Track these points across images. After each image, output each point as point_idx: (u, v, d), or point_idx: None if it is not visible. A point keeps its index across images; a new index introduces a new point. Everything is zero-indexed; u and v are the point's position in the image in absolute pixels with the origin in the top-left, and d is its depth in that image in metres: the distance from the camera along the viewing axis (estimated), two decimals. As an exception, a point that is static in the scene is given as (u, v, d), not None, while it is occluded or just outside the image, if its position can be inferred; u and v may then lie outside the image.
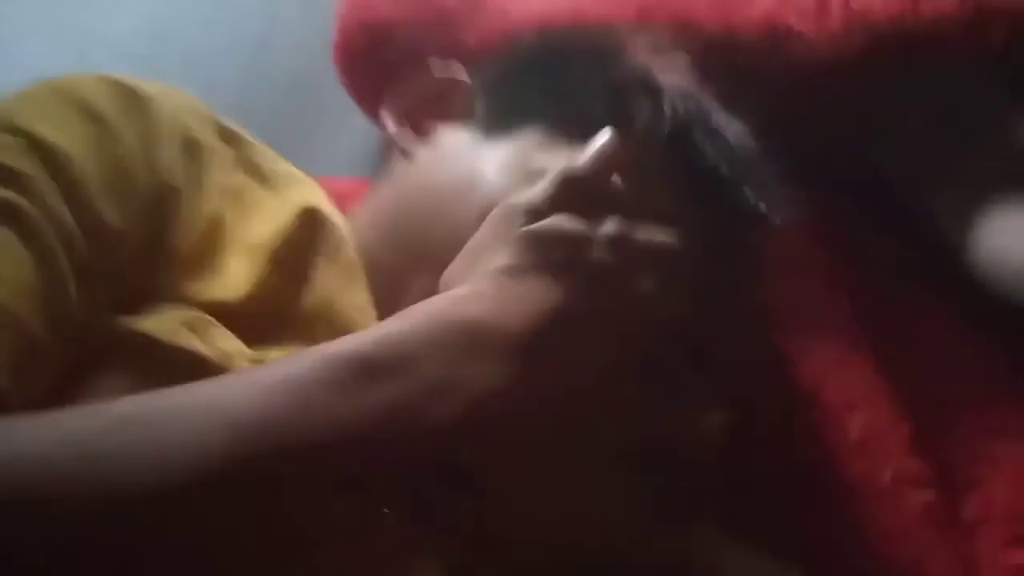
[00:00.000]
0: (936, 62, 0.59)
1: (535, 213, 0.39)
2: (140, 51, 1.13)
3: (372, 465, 0.33)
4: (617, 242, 0.39)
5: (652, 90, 0.49)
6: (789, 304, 0.56)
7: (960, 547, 0.49)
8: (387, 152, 0.56)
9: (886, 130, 0.61)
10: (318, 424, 0.31)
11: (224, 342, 0.39)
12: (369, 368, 0.33)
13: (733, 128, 0.51)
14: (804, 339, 0.54)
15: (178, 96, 0.45)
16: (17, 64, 1.11)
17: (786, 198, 0.51)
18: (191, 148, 0.43)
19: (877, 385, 0.53)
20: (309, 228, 0.46)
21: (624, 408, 0.38)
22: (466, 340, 0.34)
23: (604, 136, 0.43)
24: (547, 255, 0.37)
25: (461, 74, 0.54)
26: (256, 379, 0.33)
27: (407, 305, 0.40)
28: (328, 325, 0.43)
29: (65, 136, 0.38)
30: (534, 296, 0.36)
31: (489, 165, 0.47)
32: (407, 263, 0.46)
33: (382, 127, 0.54)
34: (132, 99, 0.41)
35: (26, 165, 0.37)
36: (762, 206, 0.49)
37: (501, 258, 0.38)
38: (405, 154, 0.52)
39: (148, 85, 0.43)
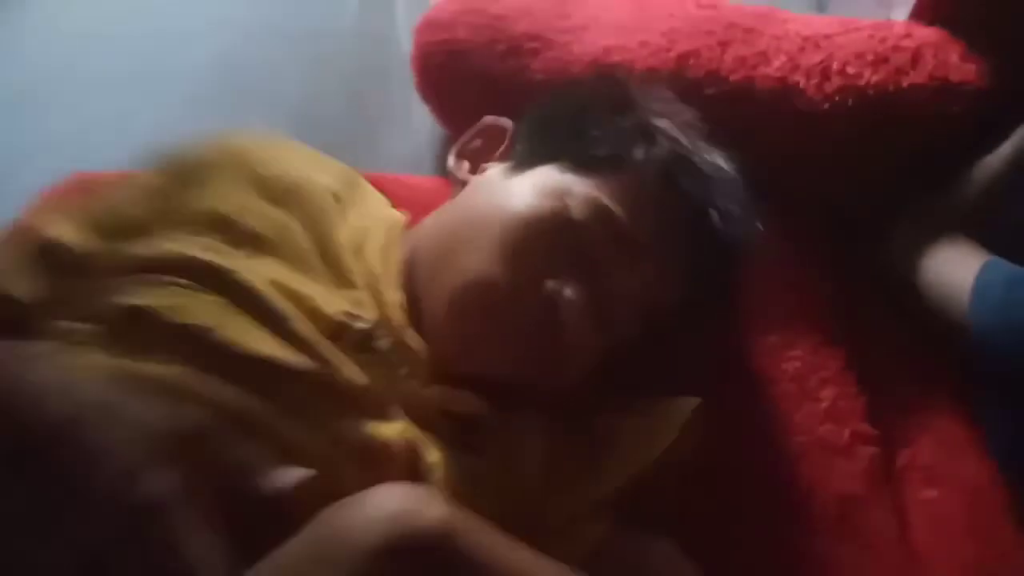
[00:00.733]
0: (908, 124, 0.74)
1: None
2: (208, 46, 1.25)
3: None
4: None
5: (646, 133, 0.61)
6: (781, 304, 0.72)
7: (891, 486, 0.65)
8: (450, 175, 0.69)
9: (862, 172, 0.77)
10: None
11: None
12: None
13: (716, 160, 0.63)
14: (791, 332, 0.70)
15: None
16: (104, 103, 1.23)
17: (759, 219, 0.65)
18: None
19: (845, 369, 0.69)
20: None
21: None
22: None
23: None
24: None
25: (506, 124, 0.68)
26: None
27: (432, 301, 0.55)
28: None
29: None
30: None
31: (510, 193, 0.60)
32: (439, 265, 0.58)
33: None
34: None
35: None
36: (733, 227, 0.61)
37: None
38: (461, 184, 0.66)
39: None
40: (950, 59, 0.76)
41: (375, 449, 0.50)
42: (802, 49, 0.78)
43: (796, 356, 0.68)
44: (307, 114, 1.13)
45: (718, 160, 0.63)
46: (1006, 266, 0.65)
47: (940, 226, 0.71)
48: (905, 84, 0.74)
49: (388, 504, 0.41)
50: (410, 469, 0.51)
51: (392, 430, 0.51)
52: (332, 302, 0.53)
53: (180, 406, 0.44)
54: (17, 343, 0.48)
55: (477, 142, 0.68)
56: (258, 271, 0.52)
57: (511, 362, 0.55)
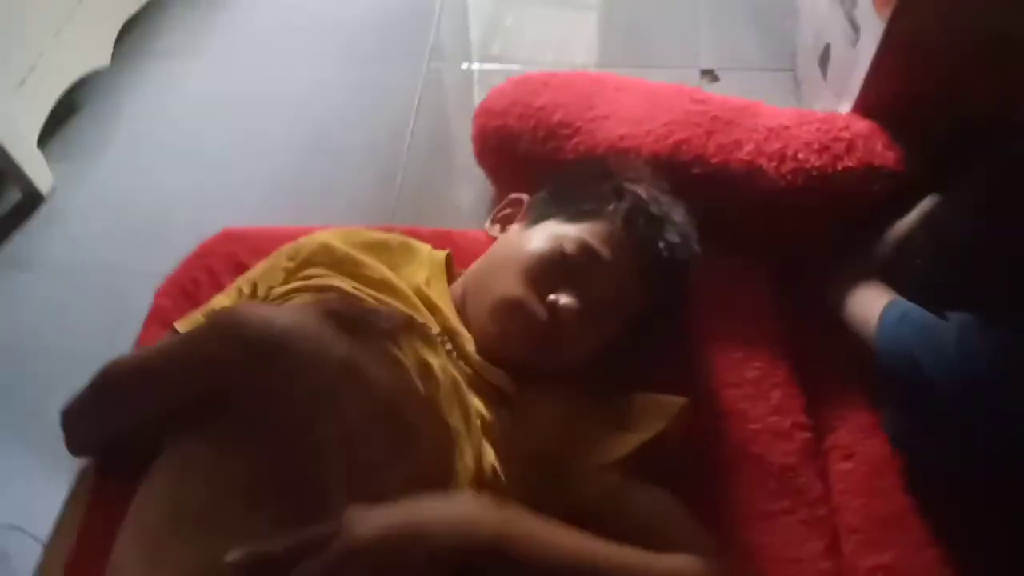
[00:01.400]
0: (841, 198, 1.00)
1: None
2: (309, 112, 1.55)
3: None
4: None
5: (618, 193, 0.89)
6: (745, 330, 0.97)
7: (820, 460, 0.89)
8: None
9: (808, 231, 1.02)
10: None
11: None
12: None
13: (668, 208, 0.89)
14: (752, 349, 0.95)
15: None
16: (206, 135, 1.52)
17: (697, 247, 0.90)
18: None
19: (790, 377, 0.94)
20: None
21: None
22: None
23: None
24: None
25: (524, 198, 0.96)
26: None
27: (478, 312, 0.83)
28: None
29: None
30: None
31: (525, 240, 0.87)
32: (481, 291, 0.86)
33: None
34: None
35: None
36: (677, 253, 0.87)
37: None
38: (494, 239, 0.94)
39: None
40: (876, 147, 1.01)
41: (424, 365, 0.75)
42: (767, 138, 1.04)
43: (755, 367, 0.94)
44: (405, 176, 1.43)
45: (670, 208, 0.90)
46: (904, 304, 0.90)
47: (862, 273, 0.96)
48: (840, 167, 1.00)
49: (456, 511, 0.65)
50: (457, 397, 0.75)
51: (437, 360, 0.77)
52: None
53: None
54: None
55: (506, 210, 0.98)
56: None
57: (530, 347, 0.81)
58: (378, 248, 0.90)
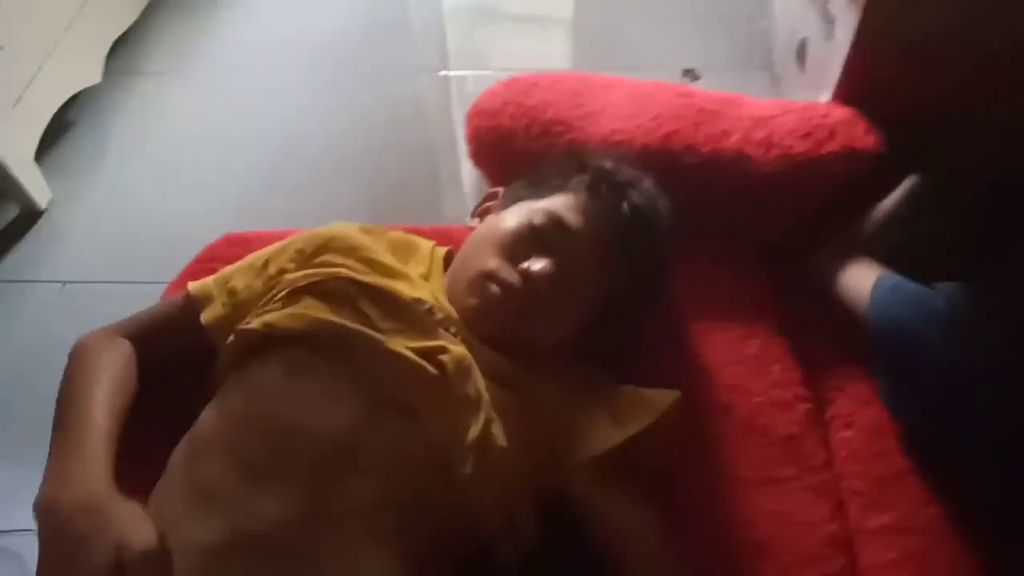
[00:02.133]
0: (826, 180, 1.04)
1: None
2: (296, 125, 1.57)
3: None
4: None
5: (582, 167, 0.92)
6: (744, 307, 1.01)
7: (821, 430, 0.92)
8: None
9: (795, 213, 1.06)
10: None
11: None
12: None
13: (632, 176, 0.93)
14: (751, 325, 0.98)
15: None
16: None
17: (666, 213, 0.92)
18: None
19: (788, 351, 0.98)
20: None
21: None
22: None
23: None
24: None
25: (500, 191, 0.99)
26: None
27: (458, 287, 0.86)
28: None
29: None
30: None
31: (499, 219, 0.90)
32: (462, 268, 0.89)
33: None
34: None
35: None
36: (642, 216, 0.88)
37: None
38: (474, 227, 0.97)
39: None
40: (857, 132, 1.06)
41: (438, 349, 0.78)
42: (752, 127, 1.08)
43: (754, 343, 0.98)
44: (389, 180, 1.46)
45: (633, 176, 0.94)
46: (894, 276, 0.94)
47: (850, 250, 1.01)
48: (823, 152, 1.04)
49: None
50: (464, 375, 0.77)
51: (451, 344, 0.79)
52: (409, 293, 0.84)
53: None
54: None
55: (485, 204, 1.01)
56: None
57: (509, 317, 0.82)
58: (387, 239, 0.94)
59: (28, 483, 1.13)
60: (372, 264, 0.86)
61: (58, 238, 1.44)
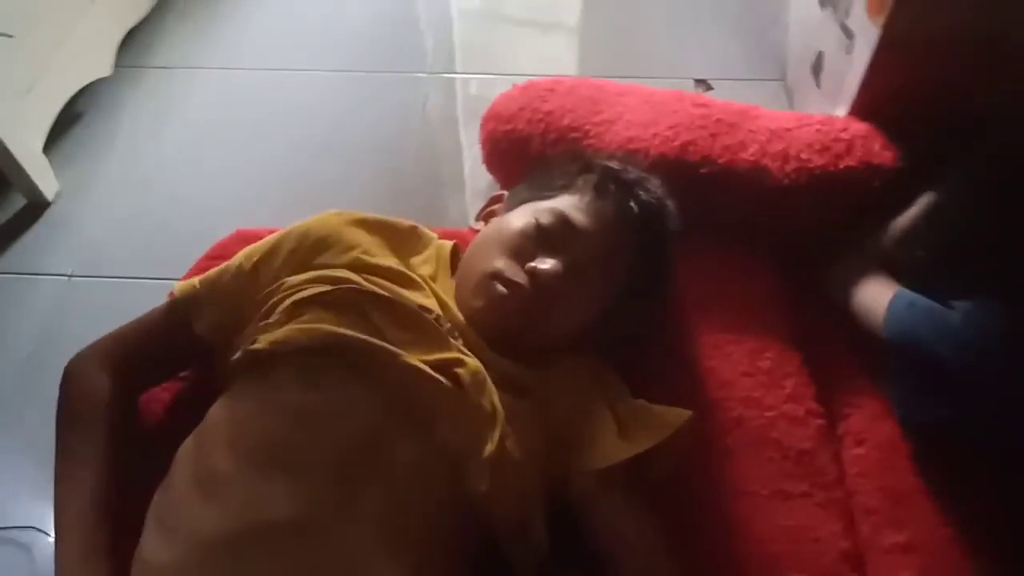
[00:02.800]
0: (843, 195, 1.04)
1: None
2: (301, 122, 1.57)
3: None
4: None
5: (588, 167, 0.92)
6: (757, 322, 1.00)
7: (833, 446, 0.92)
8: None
9: (811, 227, 1.06)
10: None
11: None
12: None
13: (639, 175, 0.92)
14: (765, 340, 0.98)
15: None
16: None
17: (673, 209, 0.92)
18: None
19: (801, 366, 0.97)
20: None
21: None
22: None
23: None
24: None
25: (505, 194, 0.99)
26: None
27: (465, 289, 0.84)
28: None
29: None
30: None
31: (504, 221, 0.89)
32: (467, 270, 0.87)
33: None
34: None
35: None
36: (650, 211, 0.88)
37: None
38: (479, 229, 0.96)
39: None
40: (874, 147, 1.06)
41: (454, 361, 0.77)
42: (769, 140, 1.08)
43: (768, 356, 0.97)
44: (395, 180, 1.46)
45: (640, 175, 0.93)
46: (909, 294, 0.94)
47: (866, 265, 1.00)
48: (841, 166, 1.04)
49: None
50: (480, 388, 0.75)
51: (466, 357, 0.78)
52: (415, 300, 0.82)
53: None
54: None
55: (490, 207, 1.01)
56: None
57: (517, 317, 0.81)
58: (387, 230, 0.91)
59: (34, 478, 1.15)
60: (373, 269, 0.83)
61: (65, 230, 1.43)
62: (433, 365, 0.76)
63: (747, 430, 0.92)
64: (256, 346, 0.77)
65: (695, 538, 0.83)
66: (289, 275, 0.83)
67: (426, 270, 0.90)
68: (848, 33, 1.20)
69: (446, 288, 0.88)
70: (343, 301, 0.79)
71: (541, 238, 0.84)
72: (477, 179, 1.48)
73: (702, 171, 1.07)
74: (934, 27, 1.03)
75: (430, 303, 0.83)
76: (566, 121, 1.16)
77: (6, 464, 1.17)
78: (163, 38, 1.78)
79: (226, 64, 1.72)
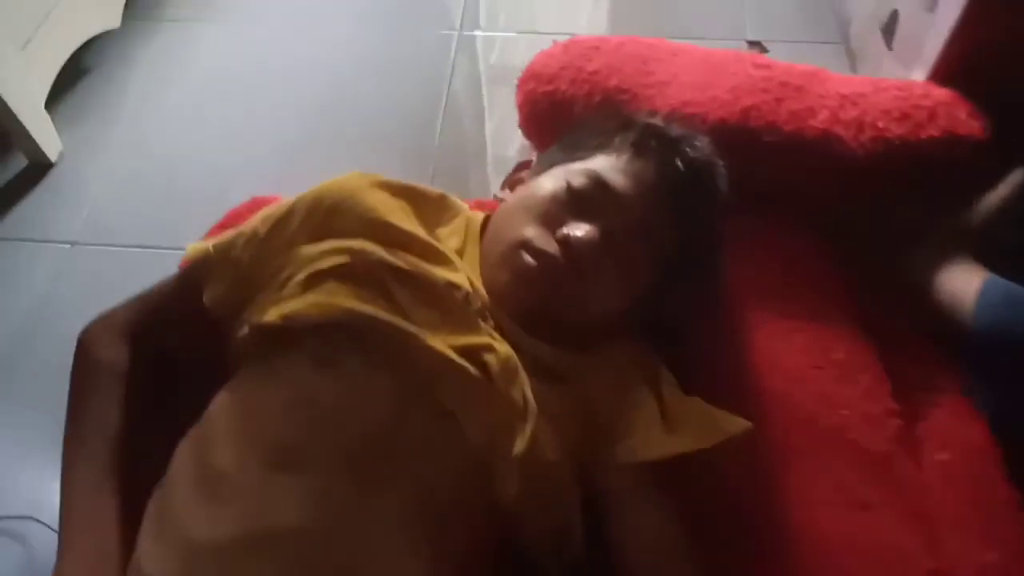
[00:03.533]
0: (925, 168, 0.93)
1: None
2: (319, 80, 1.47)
3: None
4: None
5: (626, 124, 0.82)
6: (829, 313, 0.89)
7: (912, 450, 0.82)
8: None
9: (889, 203, 0.96)
10: None
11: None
12: None
13: (685, 132, 0.82)
14: (837, 332, 0.87)
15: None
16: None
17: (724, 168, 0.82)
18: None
19: (876, 361, 0.88)
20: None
21: None
22: None
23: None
24: None
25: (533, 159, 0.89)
26: None
27: (490, 262, 0.75)
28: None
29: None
30: None
31: (533, 186, 0.80)
32: (493, 241, 0.78)
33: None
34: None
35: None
36: (700, 169, 0.79)
37: None
38: (503, 199, 0.87)
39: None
40: (959, 116, 0.95)
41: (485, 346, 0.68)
42: (841, 105, 0.97)
43: (841, 349, 0.87)
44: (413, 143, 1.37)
45: (688, 133, 0.83)
46: (1003, 283, 0.84)
47: (951, 248, 0.90)
48: (923, 136, 0.93)
49: None
50: (510, 379, 0.68)
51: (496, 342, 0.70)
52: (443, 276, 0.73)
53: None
54: None
55: (517, 174, 0.91)
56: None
57: (548, 290, 0.72)
58: (413, 196, 0.81)
59: (29, 464, 1.08)
60: (395, 239, 0.73)
61: (68, 194, 1.34)
62: (460, 350, 0.67)
63: (818, 430, 0.82)
64: (266, 319, 0.68)
65: (749, 551, 0.75)
66: (305, 242, 0.74)
67: (453, 243, 0.80)
68: (931, -11, 1.08)
69: (475, 264, 0.79)
70: (363, 275, 0.70)
71: (574, 203, 0.75)
72: (499, 145, 1.38)
73: (766, 139, 0.96)
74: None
75: (459, 279, 0.73)
76: (613, 82, 1.05)
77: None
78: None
79: (243, 16, 1.62)
